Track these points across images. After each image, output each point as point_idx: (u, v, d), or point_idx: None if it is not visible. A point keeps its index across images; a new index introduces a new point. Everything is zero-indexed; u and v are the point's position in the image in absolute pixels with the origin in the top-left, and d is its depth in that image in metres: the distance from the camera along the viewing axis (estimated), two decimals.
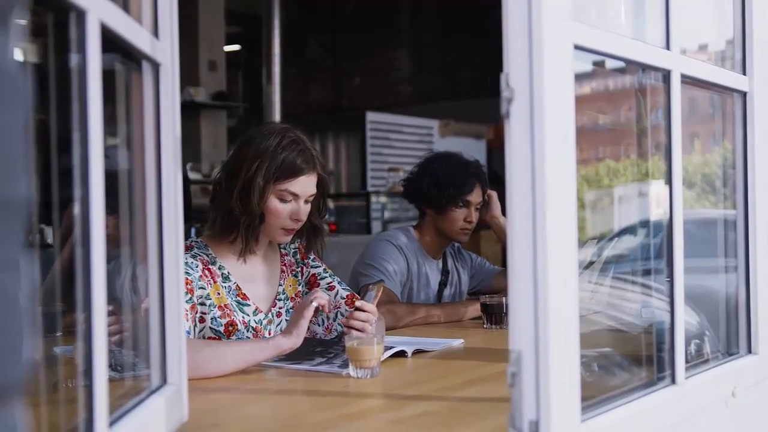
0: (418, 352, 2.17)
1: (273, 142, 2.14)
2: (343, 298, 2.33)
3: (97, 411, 1.01)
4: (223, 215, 2.18)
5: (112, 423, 1.09)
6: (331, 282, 2.37)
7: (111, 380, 1.07)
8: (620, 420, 1.35)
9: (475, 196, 3.00)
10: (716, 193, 2.09)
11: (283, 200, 2.16)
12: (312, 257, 2.40)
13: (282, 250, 2.37)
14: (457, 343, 2.35)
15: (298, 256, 2.39)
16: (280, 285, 2.32)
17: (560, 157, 1.19)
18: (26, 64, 0.63)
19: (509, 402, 1.19)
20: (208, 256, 2.20)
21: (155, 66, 1.34)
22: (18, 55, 0.61)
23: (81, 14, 0.98)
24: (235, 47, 9.81)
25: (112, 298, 1.13)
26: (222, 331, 2.14)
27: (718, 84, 1.76)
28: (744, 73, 1.82)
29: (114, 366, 1.33)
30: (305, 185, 2.18)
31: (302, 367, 1.96)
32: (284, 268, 2.35)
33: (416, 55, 9.77)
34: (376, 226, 7.47)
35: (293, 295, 2.34)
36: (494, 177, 3.28)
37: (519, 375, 1.18)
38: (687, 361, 1.56)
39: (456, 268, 3.19)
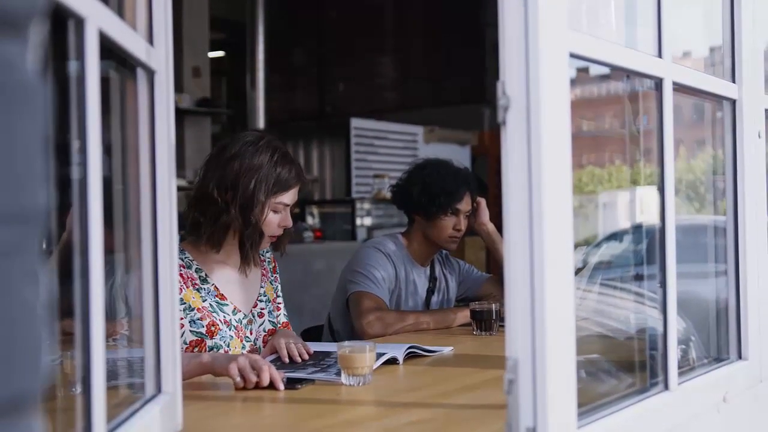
0: (411, 356, 2.18)
1: (265, 158, 2.22)
2: (280, 323, 2.42)
3: (95, 420, 1.00)
4: (221, 229, 2.22)
5: None
6: (280, 303, 2.47)
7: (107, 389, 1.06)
8: (616, 426, 1.35)
9: (465, 205, 3.01)
10: (701, 200, 2.10)
11: (275, 211, 2.26)
12: (278, 273, 2.50)
13: (260, 256, 2.43)
14: (448, 350, 2.35)
15: (271, 267, 2.47)
16: (262, 287, 2.39)
17: (557, 164, 1.19)
18: (43, 72, 0.63)
19: (504, 409, 1.19)
20: (183, 260, 2.23)
21: (150, 73, 1.33)
22: (36, 65, 0.61)
23: (80, 22, 0.98)
24: (220, 53, 9.79)
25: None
26: (204, 332, 2.18)
27: (708, 91, 1.77)
28: (733, 81, 1.83)
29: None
30: (294, 195, 2.30)
31: (298, 376, 1.94)
32: (264, 272, 2.43)
33: (401, 61, 9.79)
34: (361, 232, 7.46)
35: (273, 299, 2.42)
36: (479, 183, 3.28)
37: (516, 382, 1.18)
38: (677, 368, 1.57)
39: (444, 274, 3.19)
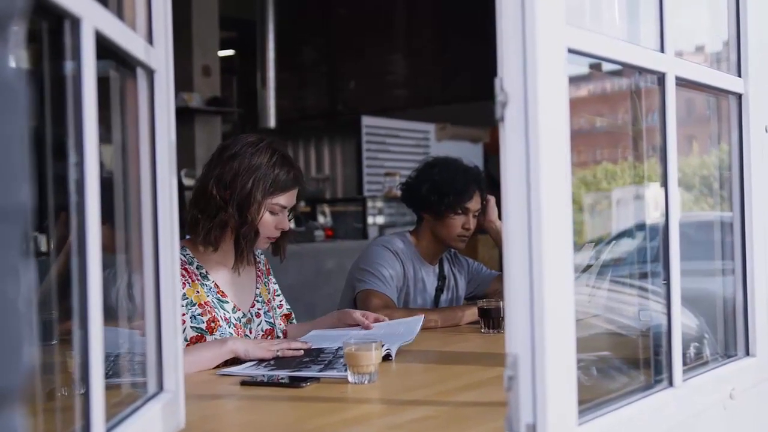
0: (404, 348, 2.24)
1: (264, 159, 2.27)
2: (281, 315, 2.51)
3: (94, 418, 1.01)
4: (218, 227, 2.26)
5: (108, 430, 1.08)
6: (282, 300, 2.56)
7: (107, 387, 1.06)
8: (618, 423, 1.35)
9: (474, 204, 3.00)
10: (713, 196, 2.09)
11: (272, 213, 2.29)
12: (272, 274, 2.56)
13: (255, 257, 2.48)
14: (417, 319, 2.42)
15: (265, 269, 2.52)
16: (257, 288, 2.44)
17: (555, 160, 1.19)
18: (24, 71, 0.63)
19: (506, 406, 1.19)
20: (185, 257, 2.28)
21: (150, 72, 1.34)
22: (16, 63, 0.62)
23: (75, 21, 0.98)
24: (230, 52, 9.81)
25: (108, 306, 1.12)
26: (204, 328, 2.21)
27: (712, 86, 1.76)
28: (739, 75, 1.82)
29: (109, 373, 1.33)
30: (292, 198, 2.33)
31: (304, 374, 1.94)
32: (259, 273, 2.47)
33: (411, 58, 9.78)
34: (372, 231, 7.47)
35: (267, 300, 2.46)
36: (491, 181, 3.27)
37: (516, 378, 1.17)
38: (686, 364, 1.56)
39: (453, 273, 3.19)
